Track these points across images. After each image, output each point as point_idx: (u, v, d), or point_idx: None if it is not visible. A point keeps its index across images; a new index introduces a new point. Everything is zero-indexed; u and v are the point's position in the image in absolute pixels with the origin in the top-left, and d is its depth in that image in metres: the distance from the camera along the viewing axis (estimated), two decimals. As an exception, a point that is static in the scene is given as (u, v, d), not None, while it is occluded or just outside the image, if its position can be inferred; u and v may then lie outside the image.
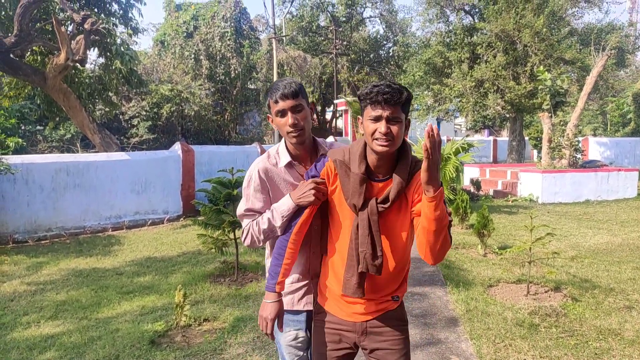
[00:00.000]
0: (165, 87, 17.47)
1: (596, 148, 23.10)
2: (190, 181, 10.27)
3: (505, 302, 4.82)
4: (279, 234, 1.90)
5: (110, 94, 11.04)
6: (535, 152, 25.85)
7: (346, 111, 27.23)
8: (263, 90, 24.23)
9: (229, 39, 19.73)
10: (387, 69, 32.13)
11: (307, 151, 2.01)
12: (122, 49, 8.67)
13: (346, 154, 1.76)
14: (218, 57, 19.85)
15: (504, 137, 30.91)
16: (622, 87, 25.07)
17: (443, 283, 5.33)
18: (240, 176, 5.65)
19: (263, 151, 13.80)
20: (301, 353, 2.02)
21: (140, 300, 5.03)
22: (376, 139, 1.61)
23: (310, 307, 2.00)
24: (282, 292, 1.90)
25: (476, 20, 16.88)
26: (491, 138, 27.91)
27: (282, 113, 1.88)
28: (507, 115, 22.93)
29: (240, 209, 2.04)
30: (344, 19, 31.30)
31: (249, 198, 2.00)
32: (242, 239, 2.03)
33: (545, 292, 5.26)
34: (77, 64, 8.76)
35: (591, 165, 13.35)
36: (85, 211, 8.80)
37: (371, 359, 1.84)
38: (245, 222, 2.00)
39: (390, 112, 1.59)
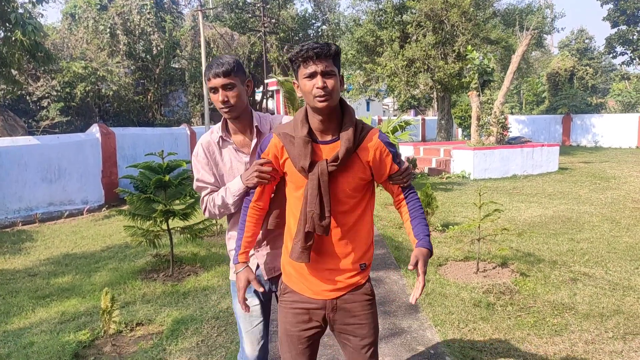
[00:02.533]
0: (78, 64, 15.84)
1: (515, 125, 24.42)
2: (112, 167, 9.35)
3: (458, 282, 4.71)
4: (232, 210, 2.04)
5: (12, 70, 9.68)
6: (460, 130, 26.90)
7: (277, 91, 26.57)
8: (189, 69, 22.93)
9: (148, 12, 18.27)
10: (316, 49, 31.69)
11: (245, 125, 2.11)
12: (24, 18, 7.50)
13: (290, 125, 1.79)
14: (137, 32, 18.34)
15: (430, 116, 31.84)
16: (541, 66, 26.62)
17: (396, 266, 5.13)
18: (172, 160, 5.06)
19: (193, 133, 12.99)
20: (257, 320, 2.11)
21: (58, 305, 4.35)
22: (315, 95, 1.63)
23: (276, 273, 2.06)
24: (247, 262, 1.96)
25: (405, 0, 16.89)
26: (419, 117, 28.59)
27: (214, 90, 1.98)
28: (433, 95, 23.55)
29: (194, 179, 2.16)
30: (272, -5, 30.35)
31: (199, 170, 2.12)
32: (202, 210, 2.14)
33: (494, 268, 5.24)
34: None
35: (517, 142, 13.93)
36: (-13, 204, 7.69)
37: (340, 334, 1.85)
38: (202, 193, 2.13)
39: (324, 66, 1.63)
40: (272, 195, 1.96)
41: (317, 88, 1.63)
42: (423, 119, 27.84)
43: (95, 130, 9.33)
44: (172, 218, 5.03)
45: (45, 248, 6.46)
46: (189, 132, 12.79)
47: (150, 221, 4.97)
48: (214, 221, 6.20)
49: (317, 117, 1.72)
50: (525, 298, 4.30)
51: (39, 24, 8.06)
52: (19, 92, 15.62)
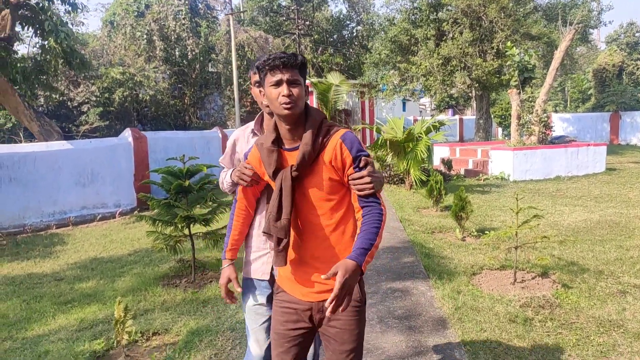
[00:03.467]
0: (117, 70, 16.24)
1: (559, 124, 23.32)
2: (144, 170, 9.44)
3: (493, 293, 4.37)
4: (229, 192, 2.24)
5: (50, 77, 9.96)
6: (500, 129, 25.97)
7: (311, 92, 26.51)
8: (224, 73, 23.17)
9: (183, 18, 18.54)
10: (351, 50, 31.47)
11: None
12: (57, 25, 7.64)
13: (264, 136, 1.85)
14: (173, 38, 18.65)
15: (468, 115, 30.95)
16: (587, 62, 25.34)
17: (425, 275, 4.83)
18: (192, 164, 4.96)
19: (224, 136, 13.01)
20: (264, 318, 2.12)
21: (79, 311, 4.31)
22: (280, 103, 1.69)
23: (263, 277, 2.13)
24: (234, 259, 2.07)
25: (441, -4, 16.41)
26: (457, 117, 27.82)
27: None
28: (470, 94, 22.73)
29: (220, 159, 2.37)
30: (306, -3, 30.32)
31: (225, 155, 2.33)
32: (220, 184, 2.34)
33: (533, 278, 4.86)
34: (5, 43, 7.72)
35: (560, 141, 13.22)
36: (24, 208, 7.89)
37: (323, 335, 1.86)
38: (221, 172, 2.31)
39: (290, 75, 1.69)
40: (257, 199, 2.05)
41: (283, 96, 1.69)
42: (460, 119, 27.05)
43: (127, 134, 9.45)
44: (193, 224, 4.94)
45: (74, 252, 6.53)
46: (220, 135, 12.82)
47: (172, 227, 4.90)
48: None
49: (283, 124, 1.77)
50: (567, 313, 3.92)
51: (71, 30, 8.23)
52: (60, 98, 16.19)
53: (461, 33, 15.23)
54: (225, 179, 2.23)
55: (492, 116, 21.28)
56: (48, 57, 9.11)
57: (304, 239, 1.81)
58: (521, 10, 15.25)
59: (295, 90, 1.71)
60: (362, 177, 1.73)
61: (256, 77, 2.02)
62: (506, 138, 23.97)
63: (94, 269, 5.68)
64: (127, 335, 3.40)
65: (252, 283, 2.15)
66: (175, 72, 19.90)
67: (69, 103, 16.33)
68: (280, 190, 1.75)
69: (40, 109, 16.30)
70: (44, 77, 9.62)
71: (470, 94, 25.68)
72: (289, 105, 1.70)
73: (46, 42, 8.12)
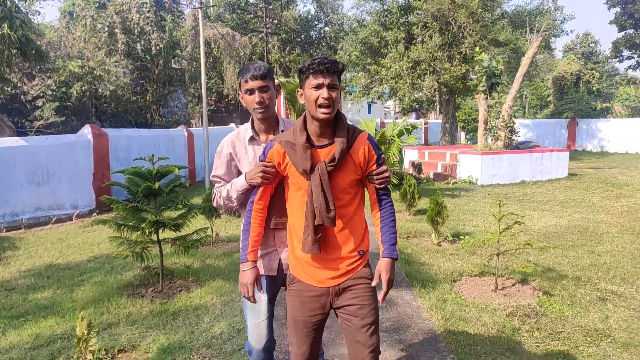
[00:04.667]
0: (75, 63, 15.38)
1: (519, 130, 23.97)
2: (105, 170, 8.92)
3: (477, 302, 4.27)
4: (235, 205, 2.25)
5: (2, 68, 9.25)
6: (463, 133, 26.45)
7: (279, 93, 26.13)
8: (189, 69, 22.49)
9: (148, 11, 17.82)
10: (319, 50, 31.32)
11: (271, 126, 2.28)
12: (11, 12, 7.05)
13: (289, 133, 1.98)
14: (136, 31, 17.88)
15: (431, 119, 31.39)
16: (545, 70, 26.16)
17: (407, 283, 4.68)
18: (163, 165, 4.62)
19: (190, 135, 12.54)
20: (263, 316, 2.24)
21: (33, 326, 3.90)
22: (319, 106, 1.83)
23: (270, 273, 2.24)
24: (256, 260, 2.13)
25: (411, 0, 16.46)
26: (422, 120, 28.15)
27: (250, 92, 2.16)
28: (435, 98, 22.97)
29: (212, 173, 2.38)
30: (274, -4, 29.95)
31: (217, 167, 2.32)
32: (212, 200, 2.36)
33: (513, 285, 4.80)
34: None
35: (525, 146, 13.49)
36: (-30, 209, 7.25)
37: (343, 314, 1.99)
38: (216, 186, 2.34)
39: (331, 80, 1.84)
40: (272, 196, 2.13)
41: (323, 98, 1.82)
42: (426, 122, 27.38)
43: (86, 131, 8.89)
44: (162, 229, 4.60)
45: (27, 257, 6.02)
46: (186, 133, 12.35)
47: (138, 232, 4.54)
48: (208, 231, 5.76)
49: (315, 124, 1.92)
50: (553, 322, 3.86)
51: (27, 18, 7.63)
52: (13, 91, 15.19)
53: (431, 37, 15.34)
54: (231, 190, 2.21)
55: (457, 120, 21.58)
56: (0, 46, 8.45)
57: (324, 227, 1.95)
58: (489, 17, 15.50)
59: (334, 94, 1.85)
60: (383, 172, 1.98)
61: (248, 85, 2.15)
62: (469, 142, 24.43)
63: (49, 277, 5.23)
64: (91, 355, 3.06)
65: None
66: (137, 67, 19.09)
67: (22, 97, 15.33)
68: (321, 183, 1.89)
69: (-11, 102, 15.27)
70: (-4, 68, 8.93)
71: (434, 98, 26.00)
72: (327, 109, 1.84)
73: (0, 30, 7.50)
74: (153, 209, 4.53)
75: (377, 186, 2.00)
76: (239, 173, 2.29)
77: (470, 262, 5.49)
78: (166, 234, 4.88)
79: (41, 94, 15.28)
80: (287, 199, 2.07)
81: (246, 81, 2.15)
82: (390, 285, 1.97)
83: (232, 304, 4.25)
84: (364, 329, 1.95)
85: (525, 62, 12.86)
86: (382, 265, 1.96)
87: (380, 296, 1.97)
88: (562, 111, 25.72)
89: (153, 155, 4.55)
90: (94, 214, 8.61)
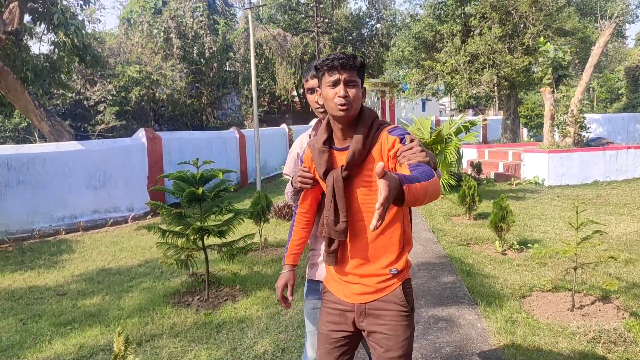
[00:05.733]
0: (133, 68, 15.89)
1: (590, 125, 22.31)
2: (159, 173, 8.99)
3: (551, 323, 3.76)
4: (293, 203, 2.15)
5: (63, 75, 9.60)
6: (525, 130, 25.01)
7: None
8: (242, 72, 22.73)
9: (201, 15, 18.13)
10: (370, 48, 30.82)
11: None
12: (66, 19, 7.23)
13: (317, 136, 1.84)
14: (190, 36, 18.24)
15: (490, 116, 30.01)
16: (615, 60, 24.23)
17: (470, 299, 4.23)
18: (207, 169, 4.45)
19: (242, 136, 12.53)
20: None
21: (79, 335, 3.83)
22: (336, 103, 1.67)
23: None
24: (295, 265, 2.05)
25: (468, -10, 15.67)
26: (480, 117, 26.94)
27: (311, 91, 2.09)
28: (494, 94, 21.88)
29: (284, 170, 2.36)
30: (325, -5, 29.75)
31: (288, 164, 2.30)
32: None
33: (592, 303, 4.23)
34: (13, 37, 7.33)
35: (597, 144, 12.43)
36: (32, 212, 7.50)
37: (370, 342, 1.80)
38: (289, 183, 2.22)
39: (347, 76, 1.68)
40: (318, 202, 1.99)
41: (339, 96, 1.66)
42: (484, 119, 26.17)
43: (141, 134, 9.02)
44: (207, 236, 4.43)
45: (82, 261, 6.09)
46: (238, 135, 12.35)
47: (183, 239, 4.40)
48: (256, 237, 5.57)
49: (337, 124, 1.76)
50: (646, 351, 3.30)
51: (82, 24, 7.80)
52: (76, 97, 15.91)
53: (490, 28, 14.49)
54: (287, 190, 2.20)
55: (519, 116, 20.39)
56: (61, 53, 8.72)
57: (350, 239, 1.77)
58: (553, 4, 14.43)
59: (351, 92, 1.68)
60: (411, 148, 1.57)
61: (308, 84, 2.07)
62: (532, 139, 23.05)
63: (100, 282, 5.22)
64: (128, 374, 2.89)
65: (314, 286, 2.13)
66: (192, 71, 19.51)
67: (85, 102, 16.03)
68: (333, 191, 1.72)
69: (56, 108, 16.08)
70: (57, 75, 9.24)
71: (493, 94, 24.82)
72: (344, 107, 1.67)
73: (57, 38, 7.72)
74: (198, 214, 4.37)
75: (408, 163, 1.51)
76: None
77: (541, 274, 4.94)
78: (212, 240, 4.71)
79: (102, 99, 15.91)
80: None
81: (307, 80, 2.10)
82: (386, 200, 1.21)
83: (277, 317, 4.00)
84: None
85: (596, 51, 11.81)
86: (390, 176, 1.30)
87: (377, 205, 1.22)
88: (636, 105, 23.70)
89: (197, 159, 4.38)
90: (149, 216, 8.71)
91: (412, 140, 1.63)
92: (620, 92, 26.65)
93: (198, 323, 3.94)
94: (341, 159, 1.75)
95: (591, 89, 32.43)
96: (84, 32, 7.75)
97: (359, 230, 1.76)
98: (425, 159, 1.53)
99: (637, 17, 16.75)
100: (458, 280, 4.73)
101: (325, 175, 1.76)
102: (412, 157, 1.54)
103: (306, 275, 2.20)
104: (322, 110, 2.04)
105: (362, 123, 1.73)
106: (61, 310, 4.40)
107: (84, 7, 8.51)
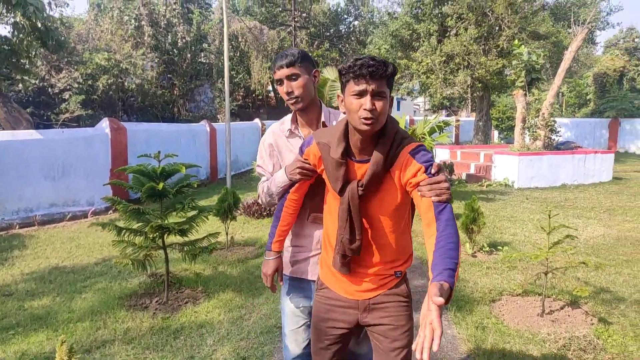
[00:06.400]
0: (101, 55, 15.30)
1: (560, 129, 22.76)
2: (123, 165, 8.60)
3: (521, 330, 3.68)
4: (276, 200, 2.01)
5: (23, 59, 9.07)
6: (496, 132, 25.36)
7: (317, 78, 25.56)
8: (216, 64, 22.28)
9: (175, 3, 17.61)
10: (347, 45, 30.71)
11: (312, 119, 2.06)
12: (25, -2, 6.78)
13: (331, 131, 1.72)
14: (163, 24, 17.70)
15: (463, 117, 30.35)
16: (585, 66, 24.81)
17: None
18: (169, 163, 4.19)
19: (213, 130, 12.20)
20: (303, 321, 2.09)
21: (22, 340, 3.53)
22: (361, 117, 1.54)
23: (312, 278, 2.07)
24: (281, 250, 2.04)
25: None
26: (454, 118, 27.19)
27: (279, 82, 1.99)
28: (467, 96, 22.09)
29: (257, 164, 2.22)
30: (303, -11, 29.47)
31: (262, 157, 2.17)
32: (258, 198, 2.20)
33: (562, 308, 4.18)
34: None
35: (565, 147, 12.62)
36: (-16, 204, 7.04)
37: (373, 334, 1.81)
38: (262, 179, 2.15)
39: (376, 86, 1.52)
40: (312, 185, 1.93)
41: (365, 109, 1.53)
42: (457, 120, 26.43)
43: (105, 125, 8.60)
44: (168, 234, 4.18)
45: (34, 258, 5.72)
46: (208, 129, 12.01)
47: (142, 237, 4.13)
48: (221, 237, 5.34)
49: (357, 135, 1.63)
50: (615, 359, 3.25)
51: (42, 4, 7.34)
52: (40, 84, 15.22)
53: (466, 29, 14.54)
54: (271, 185, 2.00)
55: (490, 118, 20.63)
56: (20, 35, 8.23)
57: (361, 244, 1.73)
58: (529, 8, 14.58)
59: (379, 104, 1.53)
60: (439, 182, 1.55)
61: (277, 75, 1.97)
62: (502, 141, 23.38)
63: (52, 281, 4.89)
64: (69, 387, 2.64)
65: (297, 283, 2.10)
66: (164, 61, 18.96)
67: (49, 89, 15.36)
68: (349, 209, 1.66)
69: (18, 94, 15.34)
70: (17, 59, 8.74)
71: (466, 95, 25.08)
72: (369, 122, 1.53)
73: (16, 18, 7.26)
74: (158, 211, 4.11)
75: (433, 199, 1.54)
76: (281, 166, 2.12)
77: (510, 278, 4.89)
78: (174, 238, 4.46)
79: (68, 87, 15.26)
80: (325, 197, 1.85)
81: (274, 72, 1.99)
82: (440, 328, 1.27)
83: (240, 322, 3.79)
84: (394, 352, 1.75)
85: (568, 56, 11.97)
86: (433, 291, 1.32)
87: (434, 345, 1.25)
88: (603, 110, 24.36)
89: (159, 152, 4.12)
90: (110, 211, 8.33)
91: (437, 170, 1.58)
92: (588, 97, 27.35)
93: (154, 328, 3.70)
94: (359, 171, 1.67)
95: (560, 94, 33.19)
96: (44, 13, 7.31)
97: (367, 244, 1.74)
98: (449, 197, 1.55)
99: (608, 23, 17.11)
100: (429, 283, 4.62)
101: (342, 189, 1.67)
102: (438, 194, 1.54)
103: (286, 273, 2.11)
104: (292, 101, 1.97)
105: (384, 139, 1.60)
106: (5, 313, 4.07)
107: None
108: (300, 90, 1.95)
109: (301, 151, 1.84)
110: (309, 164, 1.82)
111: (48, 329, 3.73)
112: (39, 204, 7.52)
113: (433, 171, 1.57)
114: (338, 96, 1.66)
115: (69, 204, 7.88)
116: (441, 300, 1.26)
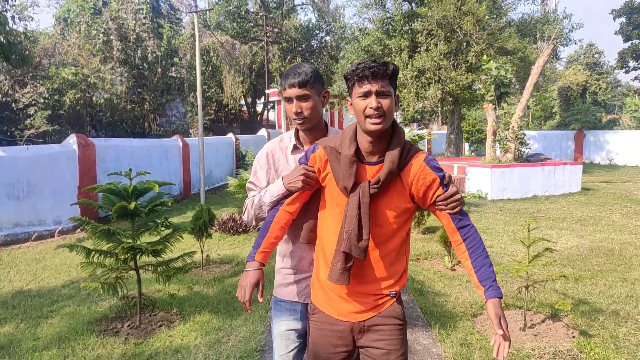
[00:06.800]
0: (68, 70, 14.87)
1: (529, 141, 23.37)
2: (91, 183, 8.31)
3: (505, 345, 3.64)
4: (266, 214, 1.93)
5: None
6: (466, 145, 25.86)
7: (279, 102, 25.66)
8: (187, 78, 22.02)
9: (144, 17, 17.36)
10: (319, 60, 30.92)
11: (317, 137, 2.02)
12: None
13: (337, 139, 1.75)
14: (132, 38, 17.39)
15: (434, 130, 30.88)
16: (550, 80, 25.67)
17: (424, 321, 4.05)
18: (141, 181, 4.03)
19: (185, 145, 11.97)
20: (294, 344, 2.02)
21: (-19, 373, 3.29)
22: (368, 116, 1.61)
23: (306, 301, 2.00)
24: (264, 263, 1.89)
25: (415, 7, 15.98)
26: (426, 131, 27.61)
27: (288, 100, 1.96)
28: (438, 109, 22.52)
29: (249, 180, 2.14)
30: (275, 4, 29.63)
31: (256, 172, 2.12)
32: (242, 213, 2.11)
33: (542, 321, 4.19)
34: None
35: (535, 159, 12.90)
36: (-59, 225, 6.65)
37: (365, 356, 1.78)
38: (250, 194, 2.08)
39: (379, 86, 1.60)
40: (307, 203, 1.90)
41: (371, 108, 1.59)
42: (430, 133, 26.85)
43: (72, 141, 8.30)
44: (140, 255, 4.00)
45: (-5, 282, 5.40)
46: (181, 144, 11.77)
47: (112, 258, 3.94)
48: (196, 256, 5.16)
49: (366, 137, 1.67)
50: (599, 373, 3.24)
51: (4, 17, 7.09)
52: (3, 99, 14.67)
53: (436, 45, 14.82)
54: (264, 196, 1.93)
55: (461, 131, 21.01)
56: (-20, 50, 7.91)
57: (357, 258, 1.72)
58: (495, 24, 15.00)
59: (384, 103, 1.60)
60: (453, 195, 1.67)
61: (286, 93, 1.93)
62: (473, 154, 23.84)
63: (15, 306, 4.61)
64: None
65: (288, 306, 2.03)
66: (134, 76, 18.58)
67: (13, 105, 14.80)
68: (359, 205, 1.65)
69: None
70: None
71: (437, 109, 25.55)
72: (377, 120, 1.60)
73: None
74: (129, 231, 3.93)
75: (450, 212, 1.70)
76: None
77: (490, 291, 4.88)
78: (147, 259, 4.28)
79: (33, 102, 14.73)
80: (320, 213, 1.84)
81: (284, 88, 1.95)
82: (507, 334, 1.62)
83: (217, 346, 3.63)
84: None
85: (535, 70, 12.32)
86: (496, 309, 1.61)
87: (503, 350, 1.58)
88: (568, 122, 25.19)
89: (130, 170, 3.96)
90: (78, 230, 8.00)
91: (449, 180, 1.69)
92: (553, 110, 28.26)
93: (126, 354, 3.50)
94: (368, 173, 1.69)
95: (527, 107, 34.22)
96: (7, 27, 7.04)
97: (369, 250, 1.72)
98: (462, 207, 1.71)
99: (571, 40, 17.79)
100: (411, 300, 4.56)
101: (353, 187, 1.67)
102: (453, 207, 1.68)
103: (276, 295, 2.06)
104: (300, 121, 1.96)
105: (397, 140, 1.66)
106: (-37, 343, 3.79)
107: (7, 2, 7.75)
108: (309, 112, 1.94)
109: (305, 159, 1.83)
110: (314, 172, 1.80)
111: (11, 359, 3.48)
112: (1, 224, 7.15)
113: (446, 182, 1.68)
114: (347, 101, 1.72)
115: (35, 224, 7.53)
116: (504, 321, 1.61)
